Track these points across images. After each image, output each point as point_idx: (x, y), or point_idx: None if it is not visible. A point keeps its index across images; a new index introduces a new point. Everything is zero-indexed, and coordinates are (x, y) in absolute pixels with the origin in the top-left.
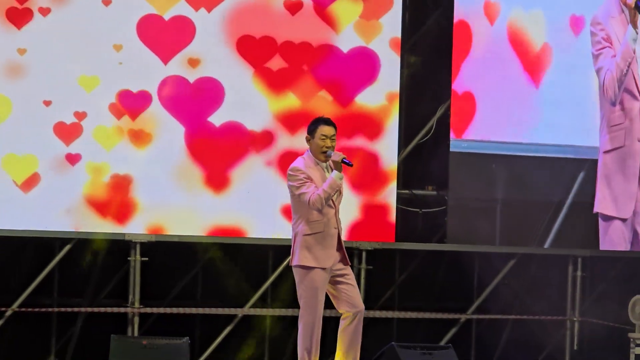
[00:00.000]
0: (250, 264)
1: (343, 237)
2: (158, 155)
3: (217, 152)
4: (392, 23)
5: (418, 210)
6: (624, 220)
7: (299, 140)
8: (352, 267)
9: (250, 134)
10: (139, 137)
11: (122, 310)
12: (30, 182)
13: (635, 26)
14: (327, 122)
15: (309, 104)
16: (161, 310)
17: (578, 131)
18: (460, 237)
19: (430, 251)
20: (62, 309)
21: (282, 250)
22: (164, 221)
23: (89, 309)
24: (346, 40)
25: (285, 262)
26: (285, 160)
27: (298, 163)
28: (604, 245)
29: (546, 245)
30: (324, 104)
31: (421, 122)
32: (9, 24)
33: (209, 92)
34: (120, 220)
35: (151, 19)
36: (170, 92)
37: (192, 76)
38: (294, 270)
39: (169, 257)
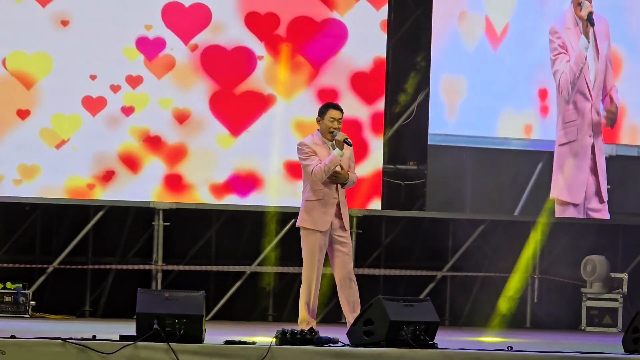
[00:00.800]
0: (257, 227)
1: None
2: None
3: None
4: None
5: (401, 182)
6: (576, 205)
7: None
8: None
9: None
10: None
11: (147, 267)
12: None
13: (587, 36)
14: (335, 106)
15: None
16: (181, 267)
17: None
18: (437, 205)
19: (411, 217)
20: (96, 267)
21: (284, 216)
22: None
23: (119, 267)
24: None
25: (287, 227)
26: None
27: (306, 139)
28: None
29: (515, 214)
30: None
31: (404, 107)
32: None
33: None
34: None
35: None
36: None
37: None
38: (300, 230)
39: (188, 222)
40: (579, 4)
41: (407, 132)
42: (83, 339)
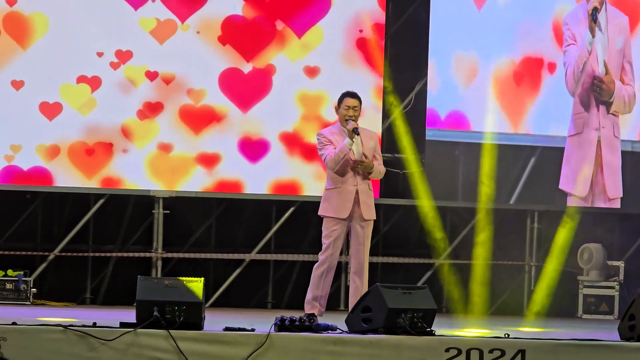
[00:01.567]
0: (256, 215)
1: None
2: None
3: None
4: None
5: (399, 171)
6: (582, 198)
7: None
8: None
9: None
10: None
11: (147, 255)
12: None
13: (591, 31)
14: (352, 95)
15: None
16: (180, 255)
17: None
18: (435, 194)
19: (409, 206)
20: (96, 254)
21: (283, 204)
22: None
23: (119, 254)
24: None
25: (287, 214)
26: None
27: (324, 129)
28: None
29: (511, 202)
30: None
31: (402, 96)
32: None
33: None
34: None
35: None
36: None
37: None
38: (323, 219)
39: (188, 210)
40: None
41: (405, 122)
42: (84, 325)
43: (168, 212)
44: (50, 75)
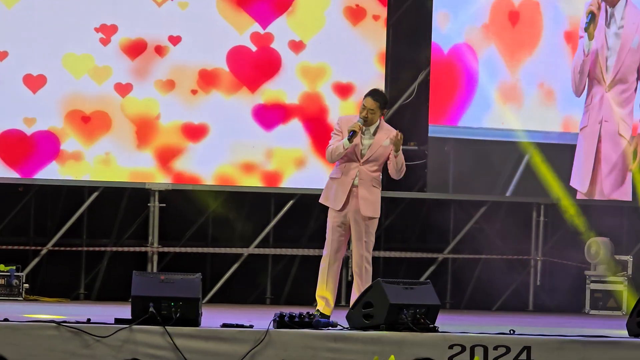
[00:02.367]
0: (254, 209)
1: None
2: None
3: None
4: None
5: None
6: (583, 194)
7: None
8: None
9: None
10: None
11: (142, 249)
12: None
13: (590, 35)
14: (370, 94)
15: None
16: (177, 249)
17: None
18: (438, 186)
19: (412, 198)
20: (90, 249)
21: (282, 197)
22: None
23: (114, 249)
24: None
25: (286, 207)
26: None
27: (345, 116)
28: None
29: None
30: None
31: (404, 86)
32: None
33: None
34: None
35: None
36: None
37: None
38: None
39: (184, 203)
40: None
41: (407, 112)
42: (78, 322)
43: (164, 205)
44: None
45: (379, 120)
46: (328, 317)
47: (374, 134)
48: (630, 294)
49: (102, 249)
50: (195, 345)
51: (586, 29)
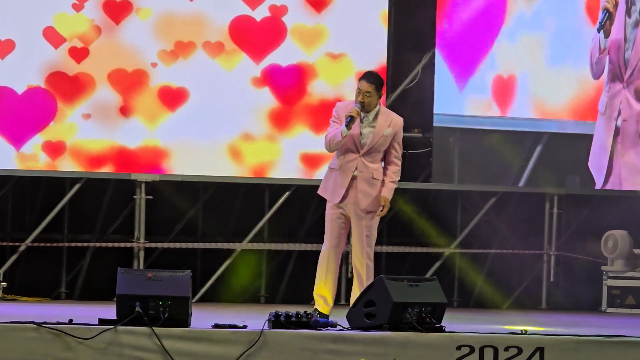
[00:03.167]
0: (247, 202)
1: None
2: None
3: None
4: None
5: (405, 151)
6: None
7: None
8: None
9: None
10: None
11: (128, 245)
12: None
13: (606, 32)
14: (364, 76)
15: None
16: (165, 245)
17: None
18: (445, 176)
19: (416, 189)
20: (72, 244)
21: (277, 189)
22: None
23: (97, 244)
24: None
25: (281, 200)
26: None
27: (342, 102)
28: None
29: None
30: None
31: (407, 69)
32: None
33: None
34: None
35: None
36: None
37: None
38: None
39: (172, 195)
40: None
41: (411, 97)
42: (59, 323)
43: (151, 197)
44: None
45: (378, 105)
46: (327, 316)
47: (374, 120)
48: None
49: (85, 244)
50: (185, 347)
51: (599, 30)
